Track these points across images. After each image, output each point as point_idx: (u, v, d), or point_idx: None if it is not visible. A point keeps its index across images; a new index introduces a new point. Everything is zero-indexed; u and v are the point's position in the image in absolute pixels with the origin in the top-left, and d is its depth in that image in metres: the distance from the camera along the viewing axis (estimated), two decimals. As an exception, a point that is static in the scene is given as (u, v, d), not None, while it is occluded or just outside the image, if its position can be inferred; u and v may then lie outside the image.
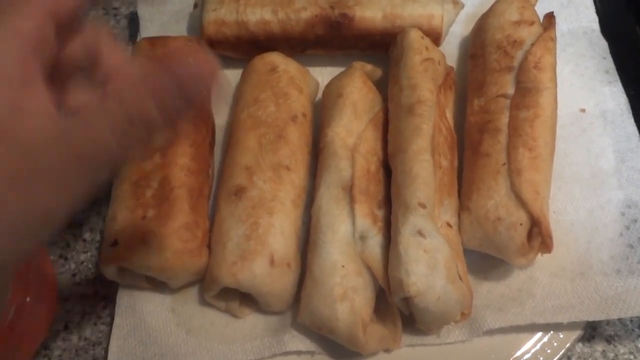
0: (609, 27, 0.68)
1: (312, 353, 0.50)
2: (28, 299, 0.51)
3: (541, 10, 0.62)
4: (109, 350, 0.51)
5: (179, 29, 0.70)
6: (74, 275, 0.59)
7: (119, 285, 0.54)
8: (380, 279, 0.49)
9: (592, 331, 0.54)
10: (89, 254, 0.60)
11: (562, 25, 0.65)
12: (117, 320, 0.52)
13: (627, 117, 0.60)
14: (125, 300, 0.53)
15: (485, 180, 0.52)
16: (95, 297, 0.58)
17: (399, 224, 0.49)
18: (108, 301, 0.57)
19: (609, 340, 0.54)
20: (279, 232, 0.51)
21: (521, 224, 0.49)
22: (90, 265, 0.60)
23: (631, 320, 0.55)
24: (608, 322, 0.54)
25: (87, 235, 0.61)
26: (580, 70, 0.63)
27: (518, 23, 0.58)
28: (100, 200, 0.63)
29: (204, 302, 0.53)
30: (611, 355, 0.53)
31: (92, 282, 0.58)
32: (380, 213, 0.53)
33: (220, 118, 0.63)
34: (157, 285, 0.53)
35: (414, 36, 0.57)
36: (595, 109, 0.61)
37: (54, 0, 0.33)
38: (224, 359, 0.50)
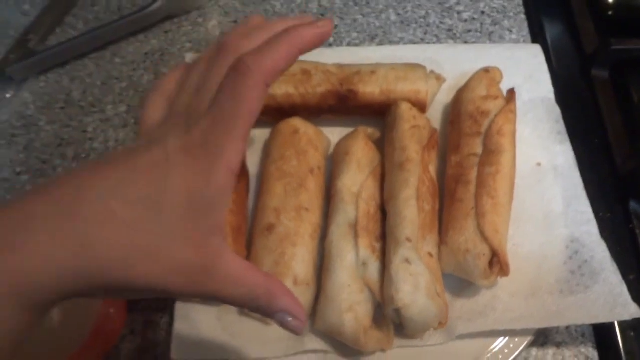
0: (565, 93, 0.83)
1: (325, 352, 0.65)
2: (112, 310, 0.67)
3: (508, 83, 0.78)
4: (172, 347, 0.65)
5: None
6: (137, 292, 0.75)
7: (176, 300, 0.70)
8: (377, 295, 0.65)
9: (544, 338, 0.69)
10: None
11: (524, 95, 0.81)
12: (177, 325, 0.67)
13: (573, 170, 0.74)
14: (182, 310, 0.68)
15: (459, 220, 0.68)
16: (156, 308, 0.72)
17: (392, 254, 0.64)
18: (164, 312, 0.72)
19: (558, 345, 0.68)
20: (301, 260, 0.67)
21: (484, 255, 0.64)
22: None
23: (575, 330, 0.69)
24: (557, 331, 0.69)
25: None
26: (538, 132, 0.78)
27: (486, 97, 0.74)
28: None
29: (242, 312, 0.68)
30: (559, 357, 0.68)
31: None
32: (378, 245, 0.68)
33: (253, 167, 0.80)
34: (207, 299, 0.69)
35: (404, 108, 0.74)
36: (549, 164, 0.75)
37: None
38: (260, 355, 0.65)
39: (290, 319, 0.44)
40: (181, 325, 0.67)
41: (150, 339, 0.72)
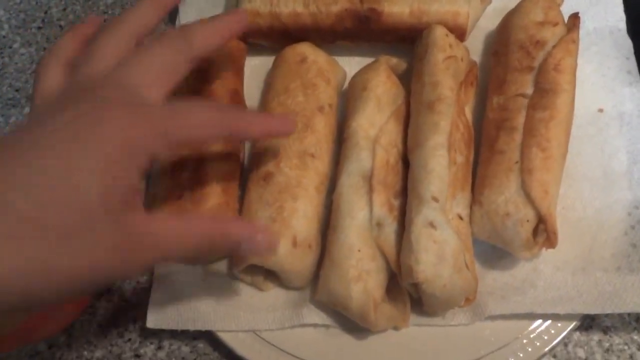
0: (637, 24, 0.68)
1: (327, 327, 0.55)
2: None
3: (570, 8, 0.63)
4: (148, 314, 0.56)
5: (216, 12, 0.73)
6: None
7: (157, 256, 0.60)
8: (392, 264, 0.53)
9: (590, 321, 0.57)
10: (130, 224, 0.66)
11: (587, 24, 0.66)
12: (155, 287, 0.58)
13: (644, 119, 0.61)
14: (161, 270, 0.59)
15: (498, 177, 0.55)
16: (135, 264, 0.64)
17: (413, 215, 0.52)
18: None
19: (605, 330, 0.57)
20: (302, 216, 0.56)
21: (528, 221, 0.52)
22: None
23: (629, 314, 0.58)
24: (607, 314, 0.58)
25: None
26: (602, 70, 0.64)
27: (542, 23, 0.59)
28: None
29: (232, 275, 0.58)
30: (606, 345, 0.57)
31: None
32: (396, 202, 0.57)
33: (253, 102, 0.68)
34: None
35: (439, 33, 0.60)
36: (613, 110, 0.62)
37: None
38: (248, 326, 0.55)
39: (259, 238, 0.45)
40: (159, 289, 0.58)
41: (128, 298, 0.63)
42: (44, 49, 0.80)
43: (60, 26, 0.81)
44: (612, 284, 0.53)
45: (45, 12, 0.83)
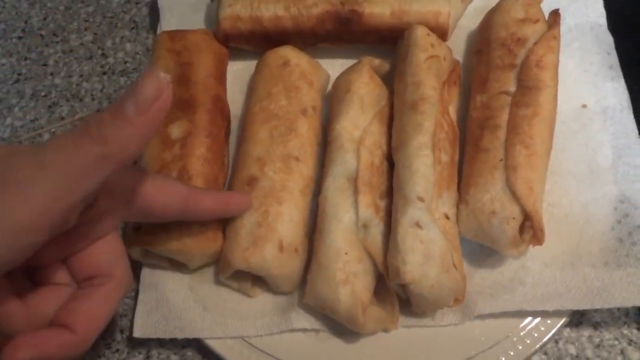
0: (616, 20, 0.68)
1: (316, 331, 0.55)
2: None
3: (550, 5, 0.63)
4: (134, 323, 0.56)
5: (197, 19, 0.73)
6: (102, 253, 0.65)
7: (143, 264, 0.59)
8: (380, 265, 0.53)
9: (579, 317, 0.57)
10: (115, 234, 0.66)
11: (568, 20, 0.66)
12: (141, 296, 0.57)
13: (627, 114, 0.61)
14: (148, 278, 0.58)
15: (483, 175, 0.55)
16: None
17: (398, 215, 0.52)
18: (133, 278, 0.62)
19: (595, 326, 0.57)
20: (288, 220, 0.55)
21: (514, 218, 0.52)
22: (116, 244, 0.65)
23: (617, 308, 0.58)
24: (596, 310, 0.58)
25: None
26: (584, 65, 0.64)
27: (523, 21, 0.59)
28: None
29: (219, 281, 0.57)
30: (597, 340, 0.57)
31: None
32: (382, 203, 0.56)
33: (236, 108, 0.67)
34: (177, 265, 0.58)
35: (420, 33, 0.59)
36: (597, 105, 0.62)
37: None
38: (236, 333, 0.55)
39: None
40: (146, 297, 0.57)
41: (115, 308, 0.61)
42: (25, 58, 0.79)
43: (42, 35, 0.81)
44: (600, 279, 0.53)
45: (26, 22, 0.82)
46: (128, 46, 0.78)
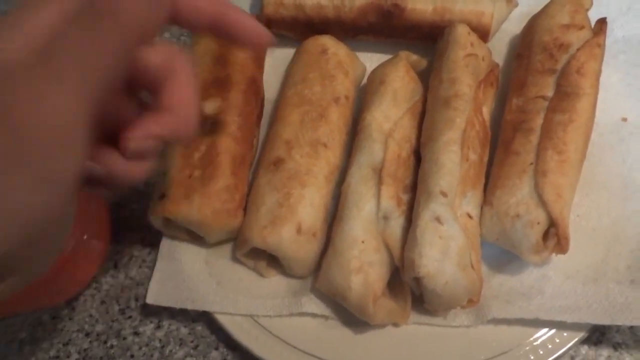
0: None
1: (325, 317, 0.54)
2: (85, 237, 0.58)
3: (598, 15, 0.61)
4: (148, 290, 0.57)
5: (243, 3, 0.74)
6: (125, 221, 0.66)
7: (163, 235, 0.60)
8: (396, 258, 0.52)
9: (600, 336, 0.55)
10: (141, 203, 0.67)
11: (617, 32, 0.64)
12: (158, 264, 0.58)
13: (669, 131, 0.59)
14: (167, 248, 0.59)
15: (511, 178, 0.54)
16: (143, 243, 0.64)
17: (420, 209, 0.51)
18: (153, 247, 0.63)
19: (615, 347, 0.55)
20: (309, 204, 0.55)
21: (538, 223, 0.51)
22: (140, 214, 0.66)
23: (641, 331, 0.55)
24: (618, 330, 0.55)
25: (141, 187, 0.68)
26: (628, 79, 0.62)
27: (567, 26, 0.58)
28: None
29: (235, 258, 0.58)
30: (616, 361, 0.54)
31: (141, 229, 0.65)
32: (405, 197, 0.56)
33: (271, 93, 0.68)
34: (196, 238, 0.58)
35: (461, 31, 0.59)
36: (638, 119, 0.60)
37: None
38: (247, 311, 0.55)
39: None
40: (163, 266, 0.58)
41: (133, 276, 0.63)
42: None
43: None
44: (624, 296, 0.51)
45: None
46: (174, 27, 0.80)
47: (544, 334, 0.52)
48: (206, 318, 0.58)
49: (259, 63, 0.66)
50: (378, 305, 0.51)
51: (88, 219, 0.58)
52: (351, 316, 0.54)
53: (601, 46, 0.56)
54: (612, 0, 0.66)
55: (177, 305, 0.55)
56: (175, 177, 0.57)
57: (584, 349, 0.55)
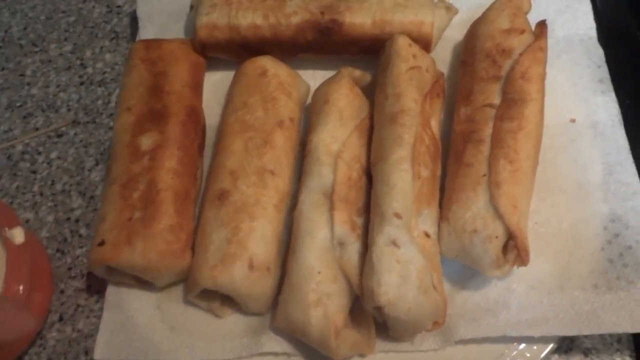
0: (608, 32, 0.66)
1: (287, 355, 0.52)
2: (21, 289, 0.53)
3: (537, 16, 0.61)
4: (96, 344, 0.53)
5: (177, 29, 0.71)
6: (69, 269, 0.62)
7: (108, 282, 0.56)
8: (355, 286, 0.50)
9: (569, 343, 0.54)
10: (84, 249, 0.63)
11: (557, 32, 0.64)
12: (105, 315, 0.54)
13: (618, 129, 0.58)
14: (113, 296, 0.55)
15: (465, 191, 0.52)
16: (89, 291, 0.60)
17: (375, 233, 0.49)
18: (101, 295, 0.59)
19: (586, 353, 0.54)
20: (260, 237, 0.53)
21: (497, 237, 0.49)
22: (85, 260, 0.62)
23: (609, 334, 0.54)
24: (587, 335, 0.54)
25: (83, 231, 0.64)
26: (574, 78, 0.62)
27: (508, 31, 0.57)
28: (97, 197, 0.65)
29: (188, 300, 0.55)
30: (588, 367, 0.53)
31: (86, 277, 0.61)
32: (359, 220, 0.53)
33: (213, 119, 0.65)
34: (144, 283, 0.55)
35: (402, 43, 0.57)
36: (586, 120, 0.59)
37: None
38: (204, 356, 0.51)
39: None
40: (111, 316, 0.54)
41: (80, 328, 0.59)
42: (3, 68, 0.77)
43: (21, 45, 0.79)
44: (589, 303, 0.50)
45: (6, 32, 0.81)
46: (108, 56, 0.77)
47: (513, 349, 0.50)
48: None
49: (197, 90, 0.63)
50: (341, 338, 0.49)
51: (22, 272, 0.54)
52: (314, 351, 0.51)
53: (543, 50, 0.56)
54: (550, 0, 0.65)
55: (129, 358, 0.52)
56: (115, 221, 0.53)
57: (555, 358, 0.54)
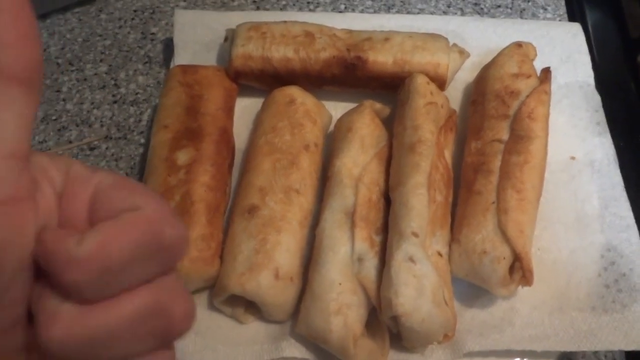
0: (604, 81, 0.73)
1: (306, 360, 0.55)
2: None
3: (542, 64, 0.67)
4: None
5: (210, 57, 0.77)
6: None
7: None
8: (372, 298, 0.54)
9: (567, 362, 0.58)
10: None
11: (559, 79, 0.70)
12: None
13: (613, 167, 0.64)
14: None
15: (476, 216, 0.57)
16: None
17: (393, 249, 0.54)
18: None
19: (582, 371, 0.58)
20: (285, 249, 0.57)
21: (504, 258, 0.54)
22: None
23: (605, 355, 0.58)
24: (583, 354, 0.58)
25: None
26: (574, 120, 0.68)
27: (516, 75, 0.63)
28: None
29: (212, 307, 0.58)
30: (584, 386, 0.57)
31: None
32: (377, 238, 0.58)
33: (240, 141, 0.70)
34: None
35: (420, 81, 0.63)
36: (585, 158, 0.65)
37: None
38: (226, 359, 0.55)
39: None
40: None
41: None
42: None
43: (58, 63, 0.84)
44: (587, 323, 0.54)
45: (45, 50, 0.86)
46: (140, 79, 0.82)
47: (516, 364, 0.54)
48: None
49: (229, 113, 0.68)
50: (358, 346, 0.52)
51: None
52: (331, 357, 0.54)
53: (548, 93, 0.62)
54: (554, 50, 0.72)
55: (155, 358, 0.55)
56: (151, 228, 0.57)
57: (553, 377, 0.57)
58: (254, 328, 0.57)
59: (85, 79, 0.82)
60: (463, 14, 0.84)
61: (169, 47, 0.81)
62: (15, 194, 0.21)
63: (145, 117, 0.78)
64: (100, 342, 0.23)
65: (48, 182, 0.23)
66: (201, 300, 0.59)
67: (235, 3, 0.87)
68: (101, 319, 0.23)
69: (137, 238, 0.23)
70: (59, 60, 0.85)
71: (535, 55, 0.66)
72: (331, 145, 0.65)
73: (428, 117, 0.61)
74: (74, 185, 0.24)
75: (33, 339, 0.23)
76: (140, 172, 0.71)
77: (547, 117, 0.61)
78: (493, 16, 0.83)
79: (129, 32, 0.87)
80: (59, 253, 0.22)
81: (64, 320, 0.22)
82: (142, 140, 0.75)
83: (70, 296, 0.22)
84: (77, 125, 0.78)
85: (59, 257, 0.22)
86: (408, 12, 0.84)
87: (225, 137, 0.65)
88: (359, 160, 0.61)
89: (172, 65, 0.76)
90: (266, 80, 0.69)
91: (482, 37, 0.74)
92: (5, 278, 0.22)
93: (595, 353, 0.58)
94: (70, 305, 0.22)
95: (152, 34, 0.87)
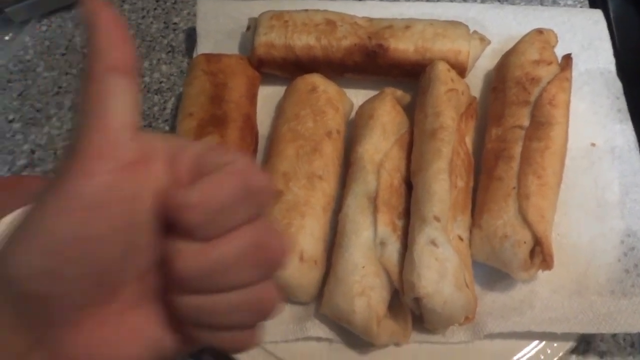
0: (626, 68, 0.73)
1: (330, 340, 0.57)
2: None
3: (562, 51, 0.67)
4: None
5: (232, 46, 0.78)
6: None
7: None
8: (395, 281, 0.55)
9: (586, 346, 0.59)
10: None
11: (580, 66, 0.70)
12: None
13: (634, 154, 0.64)
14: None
15: (497, 202, 0.58)
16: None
17: (415, 233, 0.55)
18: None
19: (601, 355, 0.59)
20: (309, 233, 0.58)
21: (525, 242, 0.55)
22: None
23: (624, 339, 0.59)
24: (602, 339, 0.59)
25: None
26: (594, 107, 0.68)
27: (537, 62, 0.64)
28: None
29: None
30: (602, 369, 0.58)
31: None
32: (399, 223, 0.59)
33: (263, 129, 0.71)
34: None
35: (441, 68, 0.64)
36: (605, 145, 0.65)
37: None
38: (254, 339, 0.57)
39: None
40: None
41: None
42: (66, 73, 0.84)
43: (83, 53, 0.86)
44: (606, 306, 0.55)
45: (70, 40, 0.88)
46: (164, 68, 0.84)
47: (535, 345, 0.55)
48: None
49: (253, 101, 0.70)
50: (381, 326, 0.54)
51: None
52: (354, 338, 0.56)
53: (569, 79, 0.62)
54: (574, 37, 0.72)
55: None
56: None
57: (573, 358, 0.58)
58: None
59: (110, 68, 0.84)
60: (483, 1, 0.84)
61: (191, 36, 0.82)
62: (136, 158, 0.27)
63: (169, 105, 0.80)
64: (217, 272, 0.29)
65: (156, 152, 0.29)
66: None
67: (256, -8, 0.88)
68: (216, 252, 0.29)
69: (233, 184, 0.28)
70: (84, 50, 0.86)
71: (556, 42, 0.66)
72: (353, 132, 0.66)
73: (449, 104, 0.62)
74: (177, 153, 0.30)
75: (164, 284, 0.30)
76: (166, 159, 0.73)
77: (568, 103, 0.61)
78: (513, 3, 0.84)
79: (151, 22, 0.89)
80: (177, 200, 0.28)
81: (189, 253, 0.28)
82: (167, 128, 0.77)
83: (191, 237, 0.28)
84: (104, 114, 0.80)
85: (177, 203, 0.28)
86: (428, 0, 0.84)
87: (249, 123, 0.67)
88: (381, 146, 0.62)
89: (194, 55, 0.77)
90: (288, 68, 0.70)
91: (502, 24, 0.74)
92: (140, 223, 0.28)
93: (614, 336, 0.59)
94: (192, 243, 0.28)
95: (175, 23, 0.88)
